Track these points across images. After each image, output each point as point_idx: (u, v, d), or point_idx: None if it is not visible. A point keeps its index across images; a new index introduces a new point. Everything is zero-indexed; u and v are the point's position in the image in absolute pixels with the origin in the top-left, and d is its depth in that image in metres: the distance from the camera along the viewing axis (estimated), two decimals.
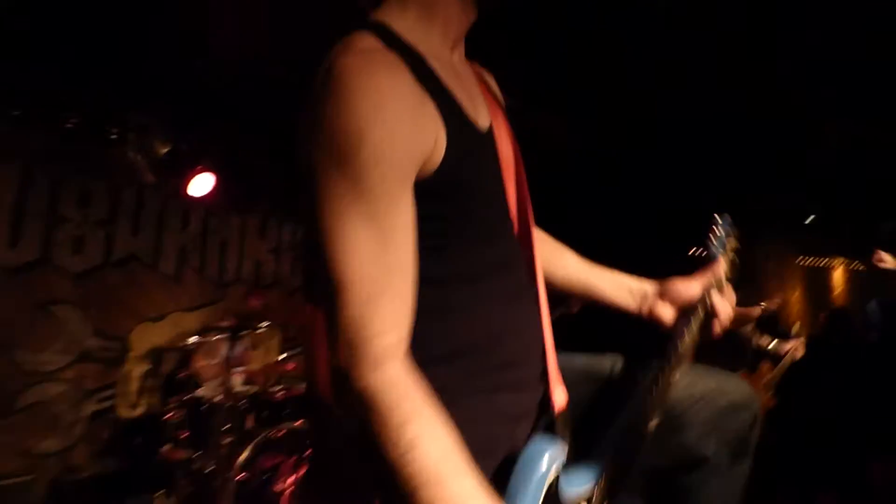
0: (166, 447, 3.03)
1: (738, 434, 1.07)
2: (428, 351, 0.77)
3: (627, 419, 0.97)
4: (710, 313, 1.08)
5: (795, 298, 8.89)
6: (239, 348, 3.25)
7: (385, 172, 0.70)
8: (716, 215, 1.28)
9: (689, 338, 1.04)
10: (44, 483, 3.07)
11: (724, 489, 1.07)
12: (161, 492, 3.06)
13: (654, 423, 0.96)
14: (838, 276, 9.88)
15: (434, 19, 0.90)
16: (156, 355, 3.68)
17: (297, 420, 3.05)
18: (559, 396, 0.93)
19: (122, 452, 3.41)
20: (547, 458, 0.82)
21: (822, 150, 4.59)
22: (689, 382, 1.04)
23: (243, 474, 2.79)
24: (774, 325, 4.03)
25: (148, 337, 3.72)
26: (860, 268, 10.06)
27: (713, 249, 1.20)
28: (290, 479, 2.63)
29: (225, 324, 3.10)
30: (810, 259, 9.17)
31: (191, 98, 3.73)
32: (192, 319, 3.91)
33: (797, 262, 9.09)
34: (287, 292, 4.76)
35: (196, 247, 4.30)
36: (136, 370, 3.62)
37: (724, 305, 1.09)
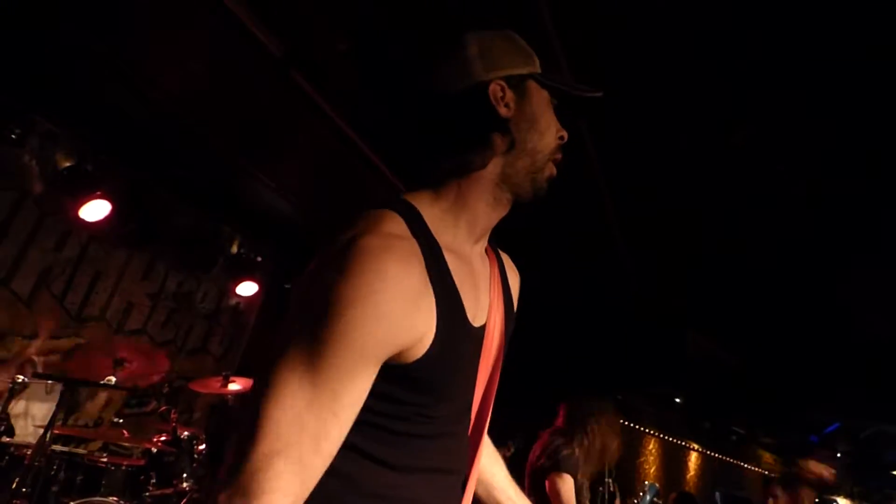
0: None
1: None
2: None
3: None
4: None
5: (653, 473, 9.49)
6: (70, 398, 3.06)
7: (348, 350, 0.73)
8: (646, 483, 1.43)
9: None
10: None
11: None
12: None
13: None
14: (693, 460, 10.72)
15: (462, 213, 0.95)
16: None
17: (112, 494, 2.86)
18: None
19: None
20: None
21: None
22: None
23: None
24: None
25: None
26: (714, 456, 11.01)
27: None
28: None
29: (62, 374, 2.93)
30: (672, 438, 9.94)
31: (108, 120, 3.72)
32: (32, 350, 3.63)
33: (659, 437, 9.80)
34: (152, 344, 4.54)
35: (63, 272, 4.07)
36: None
37: None
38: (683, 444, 10.38)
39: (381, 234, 0.80)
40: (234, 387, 3.44)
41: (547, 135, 0.97)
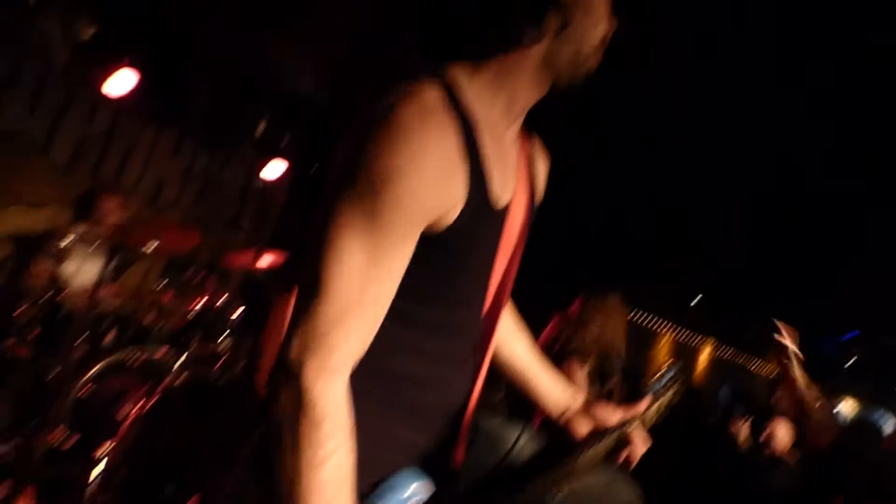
0: (10, 341, 3.01)
1: None
2: (365, 362, 0.86)
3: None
4: (622, 443, 1.15)
5: (659, 365, 9.90)
6: (116, 261, 3.28)
7: (399, 218, 0.79)
8: (671, 360, 1.45)
9: (590, 454, 1.11)
10: None
11: None
12: None
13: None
14: (704, 356, 11.11)
15: (501, 91, 0.95)
16: (23, 243, 3.57)
17: (158, 351, 3.14)
18: (458, 453, 1.02)
19: None
20: (411, 489, 0.89)
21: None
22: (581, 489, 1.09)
23: (87, 388, 2.86)
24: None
25: (19, 220, 3.61)
26: (725, 355, 11.37)
27: (652, 387, 1.27)
28: (135, 408, 2.73)
29: (106, 232, 3.12)
30: (685, 334, 10.26)
31: None
32: (66, 215, 3.82)
33: (672, 332, 10.11)
34: (183, 220, 4.74)
35: (97, 144, 4.18)
36: None
37: (640, 442, 1.16)
38: (696, 340, 10.71)
39: (419, 105, 0.82)
40: (265, 261, 3.64)
41: (599, 27, 0.95)
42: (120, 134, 4.31)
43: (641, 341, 9.52)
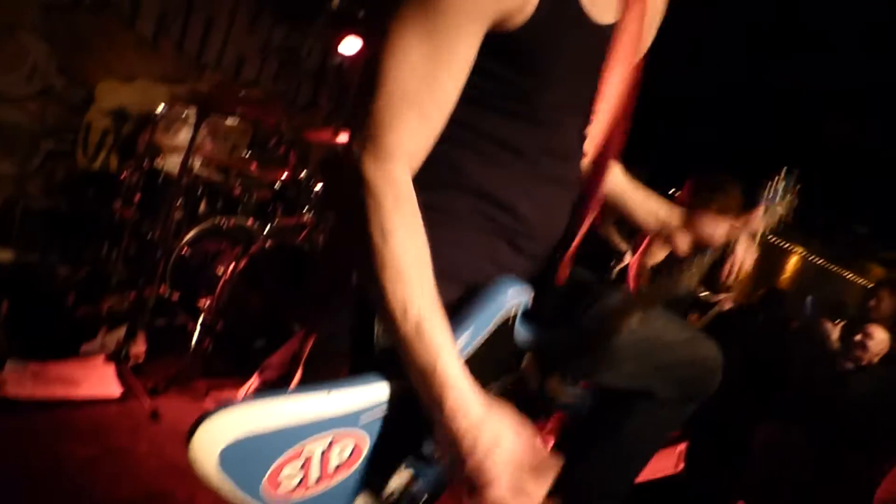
0: (117, 203, 3.32)
1: (692, 386, 1.18)
2: (460, 181, 0.91)
3: (605, 309, 1.04)
4: (729, 255, 1.15)
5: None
6: (205, 131, 3.46)
7: (456, 11, 0.77)
8: (785, 168, 1.30)
9: (696, 267, 1.12)
10: None
11: (660, 421, 1.20)
12: (105, 243, 3.40)
13: (631, 323, 1.02)
14: (793, 262, 10.65)
15: None
16: (120, 115, 3.82)
17: (248, 219, 3.37)
18: (561, 276, 1.04)
19: (74, 198, 3.68)
20: (511, 293, 0.91)
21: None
22: (663, 326, 1.11)
23: (186, 250, 3.15)
24: (712, 276, 4.37)
25: (114, 94, 3.83)
26: (817, 262, 10.83)
27: (763, 198, 1.25)
28: (230, 268, 2.99)
29: (196, 104, 3.26)
30: (774, 237, 9.80)
31: None
32: (163, 91, 4.01)
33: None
34: (266, 94, 4.86)
35: (178, 17, 4.27)
36: (98, 123, 3.78)
37: (747, 253, 1.15)
38: (785, 245, 10.23)
39: None
40: (343, 137, 3.72)
41: None
42: (199, 6, 4.36)
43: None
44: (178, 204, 3.03)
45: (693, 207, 3.30)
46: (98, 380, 2.52)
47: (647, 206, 1.28)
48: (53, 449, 2.04)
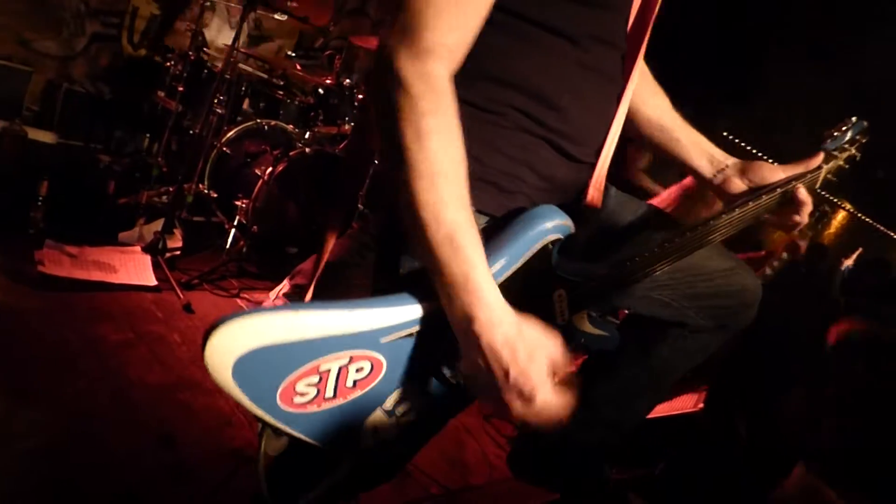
0: (161, 93, 3.24)
1: (727, 317, 1.13)
2: (502, 73, 0.86)
3: (646, 247, 0.96)
4: (789, 201, 1.06)
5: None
6: (251, 27, 3.32)
7: None
8: (853, 118, 1.20)
9: (751, 207, 1.01)
10: (42, 81, 3.29)
11: (689, 350, 1.16)
12: (147, 135, 3.36)
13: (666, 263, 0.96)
14: (839, 218, 10.19)
15: None
16: (167, 2, 3.68)
17: (288, 124, 3.28)
18: (593, 194, 0.99)
19: (118, 84, 3.61)
20: (554, 220, 0.86)
21: None
22: (705, 254, 1.03)
23: (226, 148, 3.09)
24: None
25: None
26: (863, 219, 10.36)
27: (826, 144, 1.16)
28: (269, 169, 2.93)
29: None
30: (822, 190, 9.30)
31: None
32: None
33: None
34: None
35: None
36: (144, 9, 3.65)
37: (807, 199, 1.05)
38: (834, 199, 9.74)
39: None
40: None
41: None
42: None
43: None
44: (221, 99, 2.93)
45: None
46: (135, 268, 2.54)
47: (699, 148, 1.14)
48: (88, 329, 2.07)
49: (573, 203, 0.97)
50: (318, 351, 0.75)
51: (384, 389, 0.85)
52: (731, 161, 1.13)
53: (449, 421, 1.02)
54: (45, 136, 2.89)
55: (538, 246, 0.85)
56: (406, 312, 0.81)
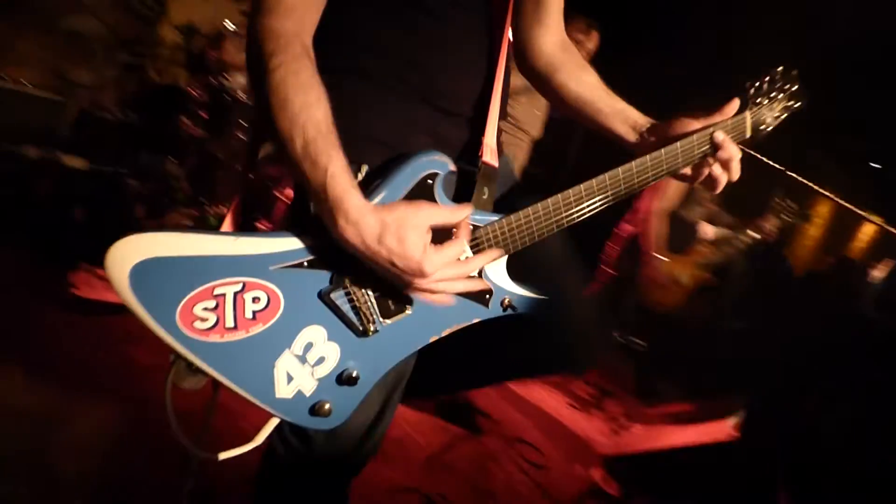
0: (185, 119, 3.37)
1: (556, 351, 1.16)
2: (366, 43, 0.99)
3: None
4: (711, 150, 1.05)
5: (812, 234, 9.09)
6: None
7: None
8: (781, 67, 1.17)
9: (663, 155, 1.02)
10: (74, 109, 3.45)
11: (516, 363, 1.22)
12: (173, 159, 3.49)
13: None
14: (867, 231, 9.97)
15: None
16: (190, 31, 3.83)
17: None
18: (487, 153, 1.04)
19: (144, 110, 3.76)
20: (430, 156, 0.93)
21: None
22: (571, 287, 1.12)
23: (249, 172, 3.18)
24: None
25: (186, 10, 3.83)
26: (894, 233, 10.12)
27: (749, 93, 1.14)
28: (290, 192, 3.01)
29: None
30: (852, 204, 9.14)
31: None
32: (233, 8, 3.98)
33: (835, 200, 9.07)
34: None
35: None
36: (170, 38, 3.81)
37: (727, 146, 1.04)
38: (863, 213, 9.56)
39: None
40: None
41: None
42: None
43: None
44: (243, 124, 3.04)
45: None
46: None
47: (622, 116, 1.16)
48: (118, 351, 2.15)
49: (470, 161, 1.04)
50: (209, 272, 0.82)
51: (288, 328, 0.88)
52: (649, 122, 1.14)
53: (388, 394, 1.05)
54: (78, 163, 3.02)
55: (416, 179, 0.91)
56: (292, 243, 0.87)
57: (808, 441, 3.00)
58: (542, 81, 1.24)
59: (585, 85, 1.20)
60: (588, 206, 1.01)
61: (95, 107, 3.53)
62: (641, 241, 3.42)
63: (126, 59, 3.69)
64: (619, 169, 1.02)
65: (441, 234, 0.89)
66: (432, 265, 0.83)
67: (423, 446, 2.38)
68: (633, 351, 5.31)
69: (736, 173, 1.08)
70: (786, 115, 1.18)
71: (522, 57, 1.25)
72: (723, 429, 2.54)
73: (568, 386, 3.76)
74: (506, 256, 1.01)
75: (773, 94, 1.16)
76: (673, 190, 3.28)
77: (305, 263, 0.88)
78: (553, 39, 1.22)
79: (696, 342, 3.78)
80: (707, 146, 1.06)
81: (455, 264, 0.87)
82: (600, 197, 1.01)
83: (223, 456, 0.98)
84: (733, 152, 1.06)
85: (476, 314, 1.01)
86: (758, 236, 3.62)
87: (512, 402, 3.24)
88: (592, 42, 2.78)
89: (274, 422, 0.98)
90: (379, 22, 0.99)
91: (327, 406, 0.92)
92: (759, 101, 1.15)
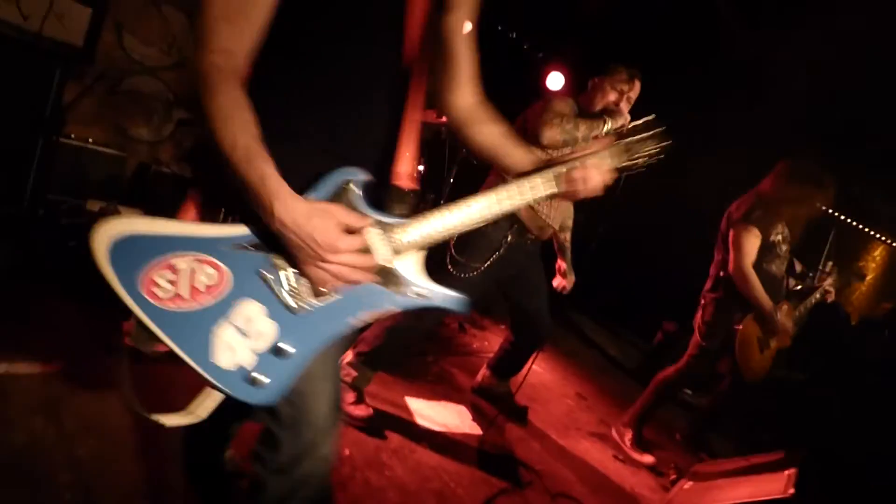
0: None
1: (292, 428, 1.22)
2: (281, 96, 1.13)
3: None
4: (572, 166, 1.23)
5: (868, 279, 8.72)
6: None
7: None
8: (653, 115, 1.33)
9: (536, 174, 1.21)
10: (134, 163, 3.66)
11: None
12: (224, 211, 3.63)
13: None
14: (879, 252, 9.49)
15: None
16: None
17: None
18: (401, 178, 1.22)
19: (197, 165, 3.94)
20: (350, 169, 1.10)
21: None
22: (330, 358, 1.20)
23: None
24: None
25: None
26: None
27: (623, 134, 1.30)
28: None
29: None
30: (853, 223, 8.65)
31: None
32: None
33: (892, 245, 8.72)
34: None
35: None
36: None
37: (595, 172, 1.23)
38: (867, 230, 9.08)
39: None
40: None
41: None
42: None
43: (850, 245, 8.38)
44: None
45: (779, 191, 3.19)
46: None
47: (522, 161, 1.35)
48: (167, 398, 2.21)
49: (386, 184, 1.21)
50: (169, 246, 1.00)
51: (233, 303, 1.03)
52: (539, 161, 1.31)
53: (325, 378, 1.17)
54: (135, 214, 3.17)
55: (336, 185, 1.08)
56: (238, 230, 1.06)
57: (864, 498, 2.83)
58: (457, 131, 1.44)
59: (491, 136, 1.39)
60: (479, 211, 1.18)
61: (153, 161, 3.73)
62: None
63: (182, 116, 3.90)
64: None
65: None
66: (345, 244, 1.00)
67: (464, 498, 2.34)
68: (686, 403, 5.15)
69: (596, 188, 1.26)
70: (646, 160, 1.32)
71: (441, 111, 1.44)
72: (778, 485, 2.42)
73: (613, 438, 3.66)
74: (423, 256, 1.17)
75: (639, 142, 1.31)
76: (750, 245, 3.22)
77: (250, 246, 1.05)
78: (465, 97, 1.40)
79: (752, 395, 3.64)
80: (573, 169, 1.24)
81: (358, 254, 1.04)
82: (492, 203, 1.19)
83: (167, 420, 1.14)
84: (597, 175, 1.24)
85: (390, 303, 1.14)
86: (830, 299, 3.59)
87: (555, 453, 3.17)
88: (635, 91, 2.84)
89: (214, 395, 1.12)
90: (292, 75, 1.14)
91: (264, 378, 1.03)
92: (623, 144, 1.30)
